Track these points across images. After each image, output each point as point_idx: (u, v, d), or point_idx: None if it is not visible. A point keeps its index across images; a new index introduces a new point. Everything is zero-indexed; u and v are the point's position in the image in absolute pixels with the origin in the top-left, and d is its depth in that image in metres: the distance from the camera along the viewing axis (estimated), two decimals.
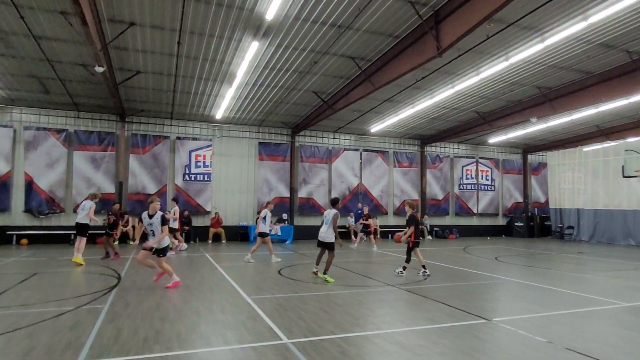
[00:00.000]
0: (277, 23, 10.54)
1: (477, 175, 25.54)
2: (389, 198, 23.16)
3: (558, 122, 19.74)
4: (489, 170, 25.93)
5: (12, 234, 16.31)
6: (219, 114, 18.12)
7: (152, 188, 18.58)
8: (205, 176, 19.61)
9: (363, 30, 11.13)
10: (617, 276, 10.79)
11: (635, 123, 20.15)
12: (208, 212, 19.43)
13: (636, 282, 9.96)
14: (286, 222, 20.15)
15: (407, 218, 10.72)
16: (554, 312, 6.78)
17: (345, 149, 22.42)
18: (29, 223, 16.94)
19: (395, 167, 23.49)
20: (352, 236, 20.73)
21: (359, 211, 19.73)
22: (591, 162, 22.49)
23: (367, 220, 17.68)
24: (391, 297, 7.94)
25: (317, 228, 10.06)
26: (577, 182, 23.35)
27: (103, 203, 17.75)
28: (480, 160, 25.76)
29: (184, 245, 15.44)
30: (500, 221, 26.10)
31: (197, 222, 19.00)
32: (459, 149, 25.39)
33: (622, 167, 18.84)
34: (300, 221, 20.90)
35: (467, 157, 25.46)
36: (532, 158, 27.36)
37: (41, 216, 17.03)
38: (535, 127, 20.61)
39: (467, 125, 20.67)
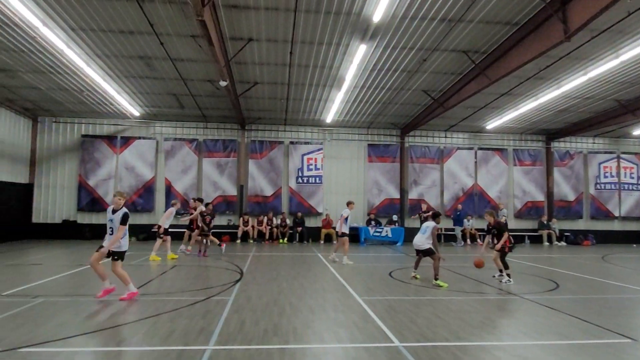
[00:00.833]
0: (385, 24, 10.51)
1: (618, 173, 22.18)
2: (508, 199, 21.39)
3: None
4: (634, 166, 22.31)
5: (155, 230, 18.83)
6: (329, 118, 18.69)
7: (268, 190, 19.93)
8: (317, 179, 20.35)
9: (476, 22, 10.51)
10: None
11: None
12: (320, 214, 20.13)
13: None
14: (397, 224, 19.91)
15: (493, 226, 9.73)
16: None
17: (458, 148, 21.36)
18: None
19: (515, 165, 21.63)
20: (468, 239, 19.68)
21: (459, 213, 18.72)
22: None
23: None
24: (512, 306, 7.33)
25: None
26: None
27: (227, 204, 19.70)
28: (622, 155, 22.31)
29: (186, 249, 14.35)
30: None
31: (309, 223, 19.83)
32: (594, 143, 22.34)
33: None
34: (412, 223, 20.44)
35: (605, 153, 22.27)
36: None
37: (178, 216, 19.38)
38: None
39: (604, 116, 18.08)
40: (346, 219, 12.44)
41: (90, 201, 18.83)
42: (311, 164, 20.39)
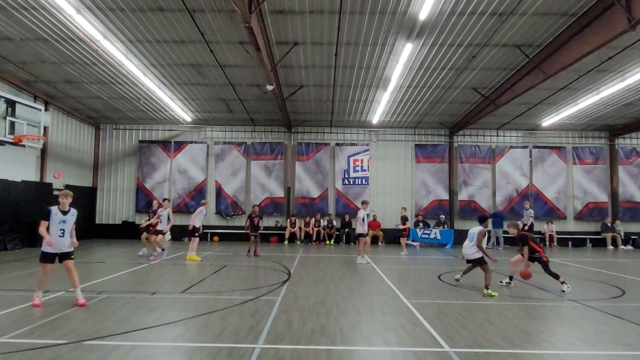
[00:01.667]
0: (431, 21, 10.28)
1: None
2: (567, 200, 20.19)
3: None
4: None
5: (207, 232, 19.55)
6: (375, 119, 18.54)
7: (315, 192, 20.08)
8: (363, 180, 20.24)
9: (530, 14, 10.05)
10: None
11: None
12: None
13: None
14: (445, 226, 19.38)
15: (518, 239, 9.08)
16: None
17: (511, 147, 20.45)
18: (219, 223, 20.12)
19: (575, 164, 20.38)
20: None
21: (498, 213, 18.03)
22: None
23: (404, 223, 15.82)
24: (572, 313, 6.90)
25: None
26: None
27: (275, 206, 20.06)
28: None
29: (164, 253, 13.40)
30: None
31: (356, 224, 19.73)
32: None
33: None
34: (461, 225, 19.82)
35: None
36: None
37: (227, 217, 20.09)
38: None
39: None
40: (363, 219, 12.33)
41: (147, 203, 19.83)
42: (357, 166, 20.32)
